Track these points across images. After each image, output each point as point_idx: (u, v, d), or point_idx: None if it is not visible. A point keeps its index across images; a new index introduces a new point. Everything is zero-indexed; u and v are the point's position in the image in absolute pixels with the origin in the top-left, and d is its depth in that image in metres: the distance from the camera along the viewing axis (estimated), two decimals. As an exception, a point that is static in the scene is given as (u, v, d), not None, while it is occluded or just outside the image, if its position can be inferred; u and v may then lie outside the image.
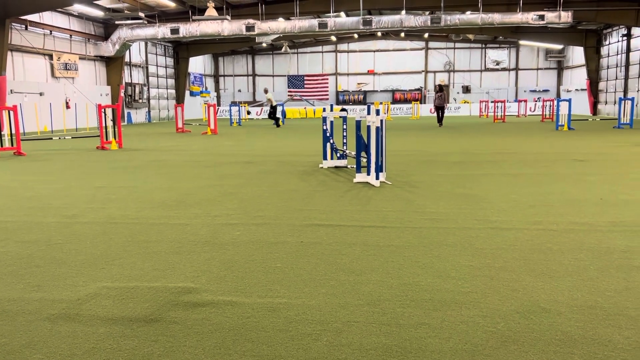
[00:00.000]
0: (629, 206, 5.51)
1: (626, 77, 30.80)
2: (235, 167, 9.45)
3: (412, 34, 40.36)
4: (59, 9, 24.79)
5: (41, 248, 4.22)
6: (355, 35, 40.99)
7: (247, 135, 19.29)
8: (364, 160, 7.52)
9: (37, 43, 24.25)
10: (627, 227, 4.64)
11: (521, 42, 39.55)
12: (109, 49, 28.49)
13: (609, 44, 33.04)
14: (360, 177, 7.43)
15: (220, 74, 45.72)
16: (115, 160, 10.89)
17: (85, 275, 3.52)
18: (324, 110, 9.48)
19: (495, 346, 2.43)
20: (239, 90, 45.53)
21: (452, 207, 5.60)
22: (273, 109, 24.84)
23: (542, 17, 24.95)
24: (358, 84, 44.08)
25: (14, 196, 6.70)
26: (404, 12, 27.33)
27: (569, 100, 19.51)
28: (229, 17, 26.19)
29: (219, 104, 43.20)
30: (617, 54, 31.84)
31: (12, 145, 12.73)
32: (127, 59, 31.03)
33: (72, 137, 18.80)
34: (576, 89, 37.52)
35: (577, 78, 38.00)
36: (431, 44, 42.66)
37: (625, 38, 30.64)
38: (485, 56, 42.42)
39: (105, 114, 14.24)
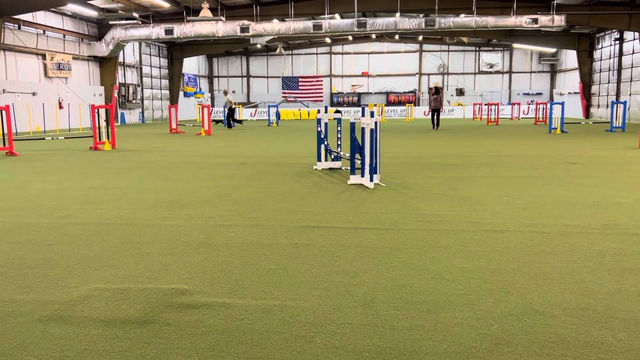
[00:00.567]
0: (621, 209, 5.54)
1: (618, 81, 31.02)
2: (229, 168, 9.43)
3: (407, 36, 40.48)
4: (53, 9, 24.66)
5: (33, 249, 4.19)
6: (350, 37, 41.05)
7: (241, 136, 19.26)
8: (358, 162, 7.52)
9: (30, 43, 24.12)
10: (619, 229, 4.66)
11: (515, 45, 39.76)
12: (102, 49, 28.38)
13: (602, 47, 33.27)
14: (355, 179, 7.43)
15: (214, 74, 45.65)
16: (109, 161, 10.84)
17: (78, 277, 3.50)
18: (319, 111, 9.48)
19: (489, 348, 2.43)
20: (234, 91, 45.42)
21: (446, 209, 5.61)
22: (231, 111, 25.18)
23: (535, 21, 25.09)
24: (352, 85, 44.14)
25: (6, 197, 6.65)
26: (398, 14, 27.41)
27: (562, 104, 19.62)
28: (223, 18, 26.16)
29: (213, 105, 43.10)
30: (610, 58, 32.06)
31: (4, 145, 12.64)
32: (120, 59, 30.92)
33: (65, 138, 18.70)
34: (569, 92, 37.74)
35: (570, 81, 38.24)
36: (425, 47, 42.80)
37: (617, 42, 30.86)
38: (479, 59, 42.61)
39: (98, 115, 14.17)
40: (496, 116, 27.54)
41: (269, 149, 13.37)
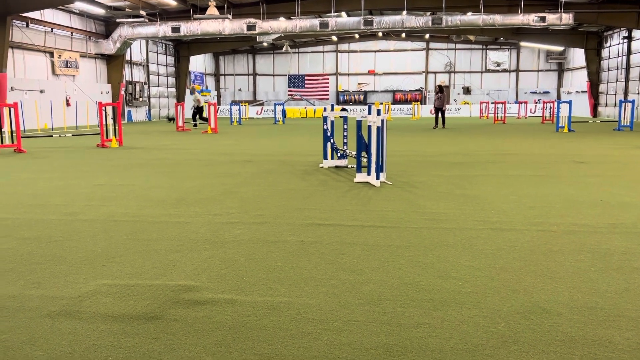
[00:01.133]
0: (629, 208, 5.51)
1: (627, 80, 30.83)
2: (236, 166, 9.45)
3: (413, 34, 40.39)
4: (60, 7, 24.77)
5: (41, 245, 4.22)
6: (356, 36, 41.00)
7: (248, 134, 19.29)
8: (365, 160, 7.52)
9: (38, 40, 24.24)
10: (627, 228, 4.64)
11: (522, 43, 39.58)
12: (109, 47, 28.48)
13: (610, 46, 33.06)
14: (361, 177, 7.43)
15: (221, 72, 45.71)
16: (116, 158, 10.89)
17: (86, 273, 3.52)
18: (325, 110, 9.48)
19: (496, 346, 2.43)
20: (240, 90, 45.53)
21: (453, 207, 5.60)
22: (199, 109, 24.06)
23: (543, 19, 24.97)
24: (359, 84, 44.09)
25: (14, 193, 6.70)
26: (405, 12, 27.34)
27: (570, 102, 19.52)
28: (230, 16, 26.19)
29: (219, 103, 43.17)
30: (618, 56, 31.86)
31: (12, 142, 12.73)
32: (128, 57, 31.02)
33: (72, 135, 18.79)
34: (577, 91, 37.54)
35: (577, 80, 38.03)
36: (432, 45, 42.68)
37: (626, 40, 30.66)
38: (486, 57, 42.45)
39: (105, 112, 14.24)
40: (503, 115, 27.43)
41: (275, 147, 13.39)
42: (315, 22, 26.42)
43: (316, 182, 7.42)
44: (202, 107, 24.02)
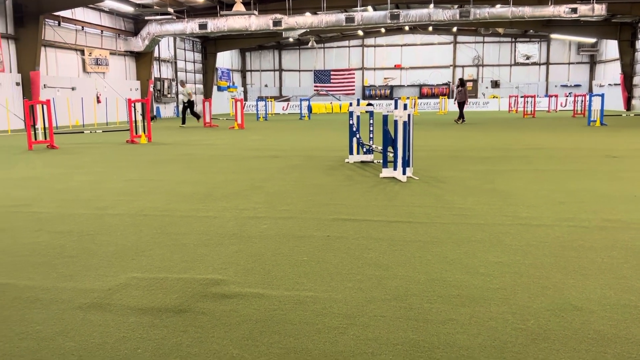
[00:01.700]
0: (664, 204, 5.35)
1: (662, 72, 29.90)
2: (262, 161, 9.50)
3: (441, 27, 39.91)
4: (91, 5, 25.24)
5: (73, 239, 4.31)
6: (383, 30, 40.72)
7: (274, 129, 19.38)
8: (391, 155, 7.47)
9: (70, 39, 24.77)
10: (662, 225, 4.50)
11: (552, 35, 38.73)
12: (138, 44, 28.91)
13: (645, 37, 32.11)
14: (387, 172, 7.38)
15: (247, 69, 45.99)
16: (145, 154, 11.06)
17: (116, 266, 3.59)
18: (351, 104, 9.45)
19: (525, 343, 2.39)
20: (266, 85, 45.73)
21: (481, 202, 5.52)
22: (190, 104, 22.76)
23: (574, 10, 24.39)
24: (385, 78, 43.82)
25: (47, 188, 6.87)
26: (432, 5, 27.02)
27: (602, 95, 19.03)
28: (256, 12, 26.30)
29: (245, 99, 43.46)
30: (653, 48, 30.91)
31: (45, 138, 13.04)
32: (156, 54, 31.45)
33: (102, 131, 19.16)
34: (609, 84, 36.57)
35: (610, 72, 37.05)
36: (460, 38, 42.12)
37: (662, 31, 29.73)
38: (515, 50, 41.70)
39: (134, 109, 14.47)
40: (532, 109, 26.92)
41: (301, 142, 13.41)
42: (341, 16, 26.33)
43: (342, 177, 7.41)
44: (193, 101, 22.98)
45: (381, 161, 7.91)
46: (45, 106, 13.00)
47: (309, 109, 30.75)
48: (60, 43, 24.06)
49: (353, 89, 43.89)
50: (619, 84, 34.68)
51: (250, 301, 2.94)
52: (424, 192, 6.18)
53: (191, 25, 26.95)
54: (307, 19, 26.59)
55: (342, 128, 18.47)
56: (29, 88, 21.62)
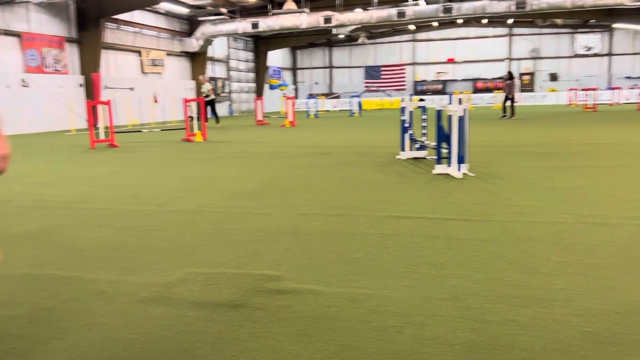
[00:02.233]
0: None
1: None
2: (313, 158, 9.53)
3: (495, 20, 38.82)
4: (148, 8, 26.07)
5: (134, 234, 4.46)
6: (435, 24, 40.00)
7: (324, 127, 19.42)
8: (445, 151, 7.33)
9: (128, 41, 25.68)
10: None
11: (615, 25, 36.90)
12: (193, 44, 29.64)
13: None
14: (441, 169, 7.25)
15: (297, 66, 46.29)
16: (199, 152, 11.33)
17: (175, 261, 3.69)
18: (402, 100, 9.33)
19: (592, 347, 2.28)
20: (316, 83, 45.89)
21: (540, 200, 5.33)
22: (211, 102, 20.72)
23: (640, -3, 23.14)
24: (437, 73, 43.09)
25: (109, 185, 7.14)
26: (486, -3, 26.28)
27: (671, 87, 17.98)
28: (307, 10, 26.42)
29: (296, 97, 43.77)
30: None
31: (106, 137, 13.58)
32: (210, 54, 32.13)
33: (160, 130, 19.77)
34: (678, 75, 34.52)
35: (679, 62, 34.96)
36: (515, 30, 40.85)
37: None
38: (574, 41, 40.02)
39: (190, 108, 14.84)
40: (594, 102, 25.78)
41: (352, 139, 13.37)
42: (393, 11, 26.06)
43: (394, 174, 7.33)
44: (213, 100, 21.07)
45: (434, 157, 7.78)
46: (106, 106, 13.53)
47: (360, 105, 30.62)
48: (119, 45, 24.99)
49: (404, 85, 43.39)
50: (689, 75, 32.69)
51: (304, 297, 2.95)
52: (480, 189, 6.03)
53: (243, 25, 27.37)
54: (357, 15, 26.47)
55: (393, 124, 18.28)
56: (90, 89, 22.57)
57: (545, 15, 33.26)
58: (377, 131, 16.14)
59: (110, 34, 24.29)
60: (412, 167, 7.97)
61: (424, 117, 9.19)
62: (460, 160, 6.96)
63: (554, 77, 40.44)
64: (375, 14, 26.18)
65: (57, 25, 21.64)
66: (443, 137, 7.29)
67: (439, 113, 7.26)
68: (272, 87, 40.85)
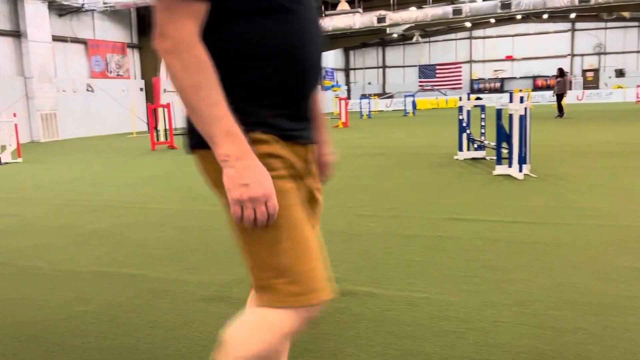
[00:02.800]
0: None
1: None
2: (367, 159, 9.48)
3: (556, 15, 37.38)
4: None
5: (194, 233, 4.57)
6: (492, 20, 38.97)
7: (378, 127, 19.29)
8: (505, 151, 7.11)
9: (186, 45, 26.41)
10: None
11: (689, 16, 34.80)
12: (248, 47, 30.15)
13: None
14: (501, 170, 7.04)
15: (350, 67, 46.26)
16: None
17: (233, 261, 3.74)
18: (460, 99, 9.13)
19: (672, 360, 2.14)
20: (369, 83, 45.71)
21: (607, 202, 5.08)
22: None
23: None
24: (495, 71, 41.99)
25: (169, 185, 7.36)
26: (546, -9, 25.37)
27: None
28: (360, 10, 26.35)
29: (349, 97, 43.76)
30: None
31: (166, 139, 14.01)
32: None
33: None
34: None
35: None
36: (578, 25, 39.23)
37: None
38: (642, 35, 38.01)
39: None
40: (664, 98, 24.37)
41: (406, 140, 13.21)
42: (448, 9, 25.58)
43: (451, 175, 7.18)
44: None
45: (494, 158, 7.56)
46: (166, 109, 13.97)
47: (414, 105, 30.24)
48: (178, 50, 25.73)
49: (460, 83, 42.53)
50: None
51: (362, 300, 2.92)
52: (543, 191, 5.81)
53: (297, 27, 27.57)
54: (411, 14, 26.16)
55: (449, 124, 17.94)
56: (151, 93, 23.39)
57: (611, 8, 31.68)
58: (432, 131, 15.88)
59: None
60: (471, 168, 7.78)
61: (483, 116, 8.97)
62: (522, 160, 6.73)
63: (620, 73, 38.54)
64: (430, 12, 25.78)
65: (120, 32, 22.56)
66: (503, 136, 7.08)
67: (498, 112, 7.05)
68: (325, 88, 41.02)
